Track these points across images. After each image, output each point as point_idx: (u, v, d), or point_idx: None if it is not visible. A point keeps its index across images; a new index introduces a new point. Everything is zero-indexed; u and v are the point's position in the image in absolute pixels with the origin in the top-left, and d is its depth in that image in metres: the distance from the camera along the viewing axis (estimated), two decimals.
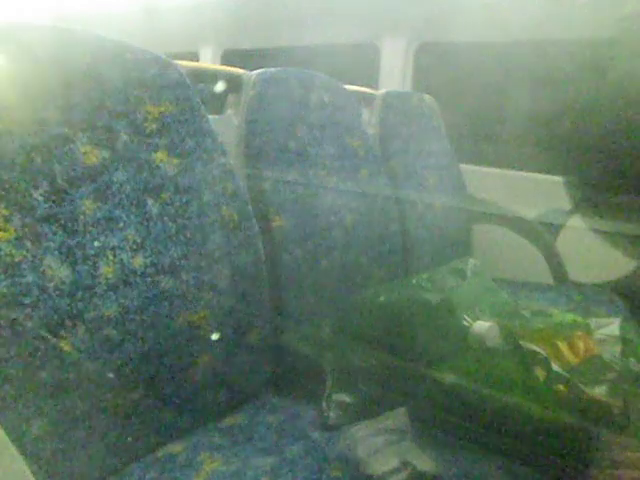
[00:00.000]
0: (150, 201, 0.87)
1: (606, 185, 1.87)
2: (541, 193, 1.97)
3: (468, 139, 2.14)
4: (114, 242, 0.81)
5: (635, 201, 1.79)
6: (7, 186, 0.71)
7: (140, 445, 0.85)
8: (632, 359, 0.95)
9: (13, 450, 0.48)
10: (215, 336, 0.93)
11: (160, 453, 0.87)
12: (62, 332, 0.73)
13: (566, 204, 1.93)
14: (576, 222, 1.90)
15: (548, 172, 1.97)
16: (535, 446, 0.83)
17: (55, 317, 0.73)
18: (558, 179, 1.94)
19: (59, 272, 0.74)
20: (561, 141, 2.03)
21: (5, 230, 0.69)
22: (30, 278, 0.71)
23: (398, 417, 0.89)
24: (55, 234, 0.74)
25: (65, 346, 0.74)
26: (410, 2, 2.10)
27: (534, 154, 2.03)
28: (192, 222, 0.92)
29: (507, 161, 2.05)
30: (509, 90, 2.06)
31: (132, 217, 0.84)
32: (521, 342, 0.90)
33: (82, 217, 0.78)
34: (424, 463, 0.82)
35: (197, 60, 2.95)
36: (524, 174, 2.02)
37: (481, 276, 1.17)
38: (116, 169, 0.83)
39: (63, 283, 0.74)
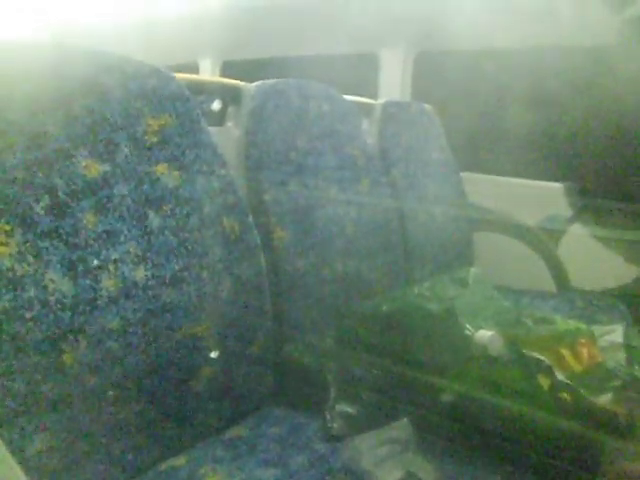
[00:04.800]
0: (151, 214, 0.87)
1: (607, 191, 1.88)
2: (542, 200, 1.97)
3: (469, 146, 2.14)
4: (115, 255, 0.81)
5: (636, 207, 1.79)
6: (8, 201, 0.71)
7: (143, 459, 0.85)
8: (636, 366, 0.95)
9: (14, 465, 0.48)
10: (217, 348, 0.93)
11: (163, 467, 0.86)
12: (64, 346, 0.73)
13: (567, 211, 1.93)
14: (578, 229, 1.90)
15: (549, 179, 1.97)
16: (540, 455, 0.82)
17: (57, 331, 0.73)
18: (559, 186, 1.94)
19: (61, 286, 0.74)
20: (562, 148, 2.04)
21: (7, 245, 0.69)
22: (32, 292, 0.71)
23: (402, 427, 0.88)
24: (57, 248, 0.74)
25: (67, 360, 0.74)
26: (408, 12, 2.11)
27: (535, 161, 2.03)
28: (193, 234, 0.92)
29: (507, 169, 2.05)
30: (509, 97, 2.07)
31: (133, 230, 0.84)
32: (524, 350, 0.90)
33: (83, 231, 0.78)
34: (428, 474, 0.82)
35: (197, 72, 2.96)
36: (525, 181, 2.02)
37: (483, 284, 1.17)
38: (117, 182, 0.83)
39: (65, 297, 0.74)
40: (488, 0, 1.74)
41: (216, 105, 1.30)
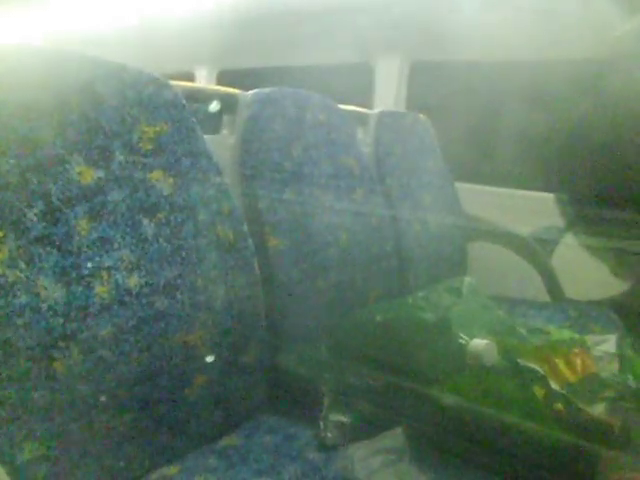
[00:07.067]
0: (145, 221, 0.86)
1: (599, 201, 1.89)
2: (536, 210, 1.98)
3: (462, 157, 2.15)
4: (109, 262, 0.80)
5: (629, 216, 1.80)
6: (1, 206, 0.70)
7: (134, 468, 0.84)
8: (630, 376, 0.95)
9: (3, 474, 0.48)
10: (210, 356, 0.93)
11: (155, 476, 0.85)
12: (55, 353, 0.73)
13: (561, 221, 1.93)
14: (571, 239, 1.91)
15: (542, 189, 1.98)
16: (534, 466, 0.82)
17: (48, 338, 0.72)
18: (552, 196, 1.95)
19: (53, 292, 0.73)
20: (555, 159, 2.05)
21: None
22: (24, 299, 0.70)
23: (396, 437, 0.88)
24: (49, 254, 0.74)
25: (58, 367, 0.73)
26: (404, 22, 2.13)
27: (528, 172, 2.04)
28: (187, 242, 0.92)
29: (501, 179, 2.06)
30: (503, 109, 2.08)
31: (127, 237, 0.83)
32: (518, 360, 0.90)
33: (77, 237, 0.77)
34: None
35: (193, 80, 2.97)
36: (518, 192, 2.03)
37: (477, 294, 1.17)
38: (111, 189, 0.83)
39: (57, 303, 0.73)
40: (484, 11, 1.75)
41: (213, 107, 1.30)
